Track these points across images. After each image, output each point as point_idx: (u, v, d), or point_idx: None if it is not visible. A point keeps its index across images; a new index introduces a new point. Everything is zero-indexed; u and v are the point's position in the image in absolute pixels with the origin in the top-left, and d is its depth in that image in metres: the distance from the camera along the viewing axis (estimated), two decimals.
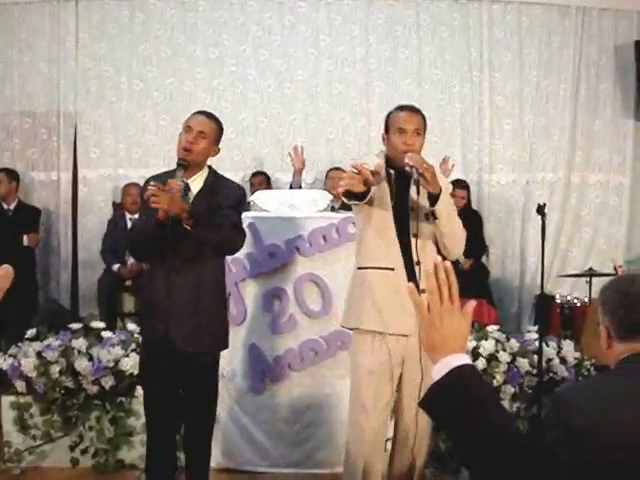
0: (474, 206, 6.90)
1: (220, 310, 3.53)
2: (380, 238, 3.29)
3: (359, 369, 3.33)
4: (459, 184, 6.50)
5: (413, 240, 3.28)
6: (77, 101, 6.99)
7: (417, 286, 3.01)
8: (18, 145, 7.01)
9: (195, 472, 3.59)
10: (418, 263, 3.25)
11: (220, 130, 3.51)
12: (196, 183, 3.46)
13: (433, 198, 3.16)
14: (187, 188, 3.40)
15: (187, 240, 3.26)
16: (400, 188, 3.30)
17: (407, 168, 3.13)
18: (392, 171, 3.33)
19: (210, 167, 3.53)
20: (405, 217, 3.29)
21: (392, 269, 3.26)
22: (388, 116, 3.38)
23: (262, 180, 6.74)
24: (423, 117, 3.37)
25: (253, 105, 7.07)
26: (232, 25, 7.06)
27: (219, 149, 3.53)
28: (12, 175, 6.56)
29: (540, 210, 4.60)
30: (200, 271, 3.38)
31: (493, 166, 7.14)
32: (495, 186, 7.16)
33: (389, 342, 3.28)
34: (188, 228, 3.24)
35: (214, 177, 3.51)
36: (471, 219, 6.58)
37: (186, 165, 3.35)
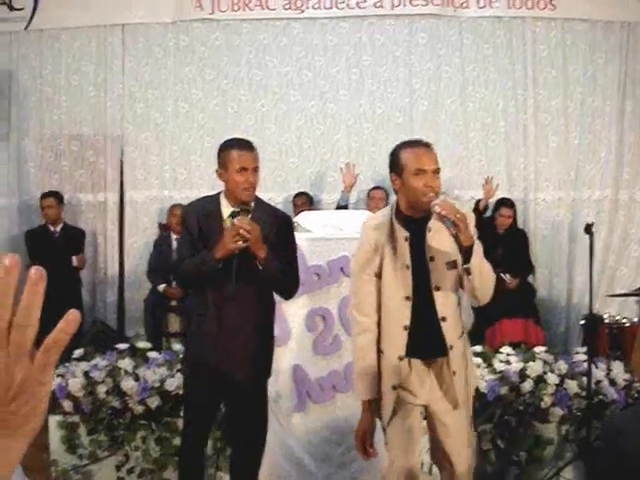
0: (520, 225, 6.83)
1: (269, 341, 3.54)
2: (386, 318, 3.07)
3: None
4: (505, 203, 6.46)
5: (436, 294, 3.01)
6: (123, 124, 7.11)
7: (444, 346, 3.01)
8: (66, 167, 7.15)
9: None
10: (444, 319, 3.01)
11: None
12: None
13: (465, 251, 2.85)
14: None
15: (248, 277, 3.27)
16: (417, 237, 3.01)
17: (436, 217, 2.85)
18: (402, 229, 3.02)
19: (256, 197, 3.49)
20: (424, 268, 3.01)
21: (383, 352, 3.07)
22: (397, 155, 3.05)
23: (305, 201, 6.76)
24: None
25: (296, 126, 7.11)
26: (275, 47, 7.13)
27: None
28: (60, 198, 6.69)
29: (588, 229, 4.54)
30: (255, 306, 3.39)
31: (539, 184, 7.07)
32: (541, 204, 7.08)
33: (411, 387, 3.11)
34: (260, 267, 3.26)
35: (261, 205, 3.47)
36: (517, 238, 6.53)
37: (247, 209, 3.30)
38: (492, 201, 6.52)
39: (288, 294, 3.54)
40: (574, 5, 6.99)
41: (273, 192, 6.96)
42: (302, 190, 6.95)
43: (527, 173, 7.07)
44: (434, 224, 2.95)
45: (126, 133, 7.11)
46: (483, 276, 2.96)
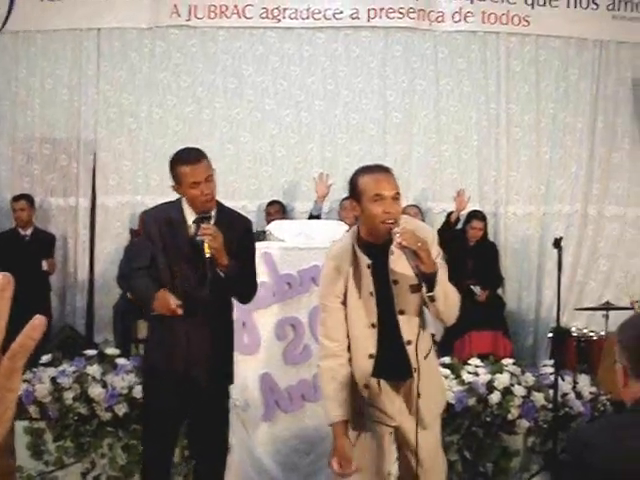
0: (490, 238, 6.88)
1: (230, 346, 3.56)
2: (352, 343, 3.05)
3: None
4: (477, 215, 6.50)
5: (401, 318, 2.98)
6: (97, 128, 7.06)
7: (410, 369, 2.99)
8: (37, 171, 7.08)
9: None
10: (409, 342, 2.99)
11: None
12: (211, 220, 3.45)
13: (428, 279, 2.80)
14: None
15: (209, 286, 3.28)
16: (379, 262, 2.97)
17: (397, 247, 2.79)
18: (364, 256, 2.99)
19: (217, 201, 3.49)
20: (388, 293, 2.97)
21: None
22: (355, 181, 3.00)
23: (278, 209, 6.76)
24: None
25: (271, 135, 7.12)
26: (251, 55, 7.13)
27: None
28: (31, 201, 6.63)
29: (557, 243, 4.60)
30: (217, 312, 3.42)
31: (510, 198, 7.14)
32: (511, 218, 7.15)
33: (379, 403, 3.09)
34: (222, 275, 3.27)
35: (222, 210, 3.47)
36: (487, 251, 6.58)
37: (209, 217, 3.31)
38: (464, 213, 6.56)
39: (247, 298, 3.55)
40: (548, 22, 7.08)
41: (246, 200, 6.97)
42: (275, 198, 6.95)
43: (498, 186, 7.14)
44: (396, 248, 2.88)
45: (99, 138, 7.07)
46: (448, 300, 2.91)
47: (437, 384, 3.26)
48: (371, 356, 3.01)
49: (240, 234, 3.44)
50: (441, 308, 2.90)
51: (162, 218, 3.45)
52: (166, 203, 3.59)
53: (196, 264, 3.27)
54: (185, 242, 3.34)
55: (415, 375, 3.01)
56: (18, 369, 0.75)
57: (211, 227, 3.23)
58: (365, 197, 2.92)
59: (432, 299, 2.83)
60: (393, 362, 3.03)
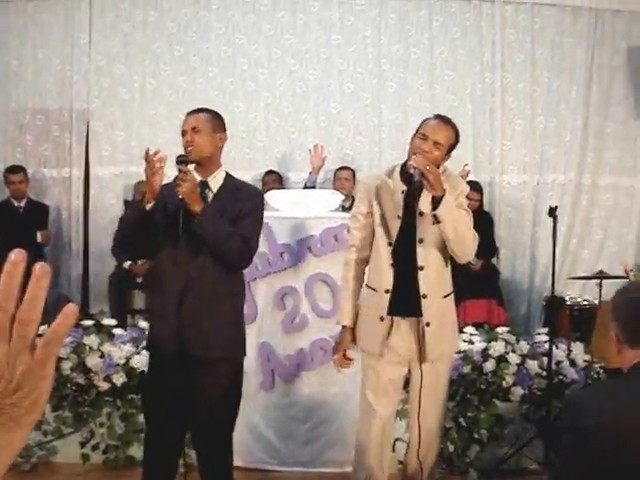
0: (485, 207, 6.89)
1: (236, 316, 3.43)
2: (375, 258, 3.38)
3: (364, 369, 3.46)
4: (472, 186, 6.46)
5: (419, 246, 3.27)
6: (90, 98, 7.01)
7: (417, 292, 3.21)
8: (30, 142, 7.04)
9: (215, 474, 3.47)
10: (422, 268, 3.27)
11: (214, 118, 3.43)
12: (214, 182, 3.41)
13: (436, 201, 3.09)
14: (206, 186, 3.38)
15: (180, 231, 3.24)
16: (413, 194, 3.26)
17: (410, 170, 3.13)
18: (401, 183, 3.31)
19: (227, 172, 3.47)
20: (413, 223, 3.28)
21: (375, 290, 3.37)
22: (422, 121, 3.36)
23: (274, 179, 6.75)
24: (456, 135, 3.30)
25: (265, 104, 7.08)
26: (244, 24, 7.07)
27: (224, 136, 3.46)
28: (25, 173, 6.61)
29: (552, 212, 4.61)
30: (215, 273, 3.30)
31: (504, 167, 7.13)
32: (506, 187, 7.15)
33: (392, 343, 3.35)
34: (195, 223, 3.21)
35: (231, 180, 3.46)
36: (482, 220, 6.57)
37: (185, 160, 3.28)
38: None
39: (231, 263, 3.33)
40: None
41: (241, 170, 6.92)
42: (271, 168, 6.93)
43: (493, 156, 7.13)
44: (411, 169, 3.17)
45: (92, 108, 7.01)
46: (458, 231, 3.14)
47: (450, 325, 3.46)
48: (387, 291, 3.31)
49: (246, 200, 3.38)
50: (449, 234, 3.13)
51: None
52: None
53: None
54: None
55: (424, 301, 3.24)
56: (52, 357, 0.76)
57: (183, 169, 3.21)
58: (416, 133, 3.28)
59: (436, 218, 3.08)
60: (408, 296, 3.28)
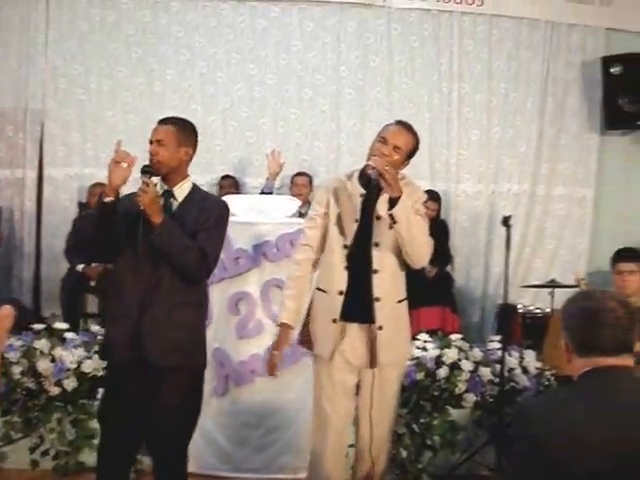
0: (441, 215, 6.94)
1: (197, 325, 3.39)
2: (329, 260, 3.36)
3: (317, 374, 3.42)
4: (430, 196, 6.42)
5: (375, 249, 3.27)
6: (45, 99, 6.90)
7: (370, 295, 3.22)
8: None
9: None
10: (376, 271, 3.27)
11: (182, 131, 3.38)
12: (179, 192, 3.37)
13: (392, 202, 3.11)
14: (170, 195, 3.34)
15: (140, 241, 3.23)
16: (371, 196, 3.28)
17: (368, 170, 3.16)
18: (360, 187, 3.32)
19: (193, 183, 3.44)
20: (370, 226, 3.28)
21: (326, 292, 3.34)
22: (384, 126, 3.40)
23: (231, 184, 6.73)
24: (416, 141, 3.33)
25: (223, 108, 7.06)
26: (204, 27, 7.04)
27: (191, 150, 3.41)
28: None
29: (505, 222, 4.67)
30: (174, 283, 3.26)
31: (460, 176, 7.20)
32: (461, 196, 7.22)
33: (344, 349, 3.32)
34: (154, 234, 3.18)
35: (198, 190, 3.44)
36: (438, 228, 6.64)
37: (150, 172, 3.26)
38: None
39: (189, 275, 3.27)
40: (501, 2, 7.13)
41: (198, 175, 6.87)
42: (228, 173, 6.90)
43: (449, 165, 7.19)
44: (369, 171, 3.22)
45: (47, 108, 6.90)
46: (412, 233, 3.16)
47: (403, 331, 3.44)
48: (340, 293, 3.30)
49: (209, 211, 3.33)
50: (405, 236, 3.15)
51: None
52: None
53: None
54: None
55: (377, 304, 3.25)
56: None
57: (146, 180, 3.17)
58: (376, 137, 3.32)
59: (392, 218, 3.10)
60: (361, 299, 3.27)
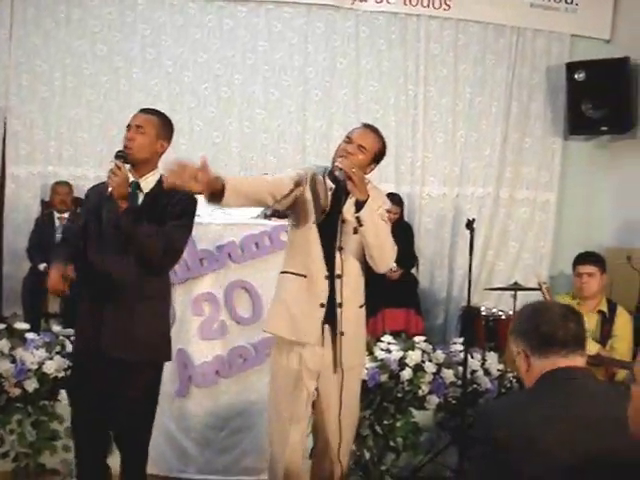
0: (405, 217, 6.98)
1: (159, 320, 3.39)
2: (302, 244, 3.30)
3: (275, 377, 3.39)
4: (392, 199, 6.43)
5: (337, 253, 3.26)
6: (8, 95, 6.80)
7: (334, 299, 3.21)
8: None
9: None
10: (339, 276, 3.26)
11: (163, 125, 3.41)
12: (146, 184, 3.37)
13: (359, 205, 3.12)
14: (137, 187, 3.34)
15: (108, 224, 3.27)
16: (337, 201, 3.27)
17: (336, 172, 3.15)
18: (333, 185, 3.30)
19: (161, 175, 3.39)
20: (334, 230, 3.27)
21: (304, 276, 3.28)
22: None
23: None
24: (382, 144, 3.34)
25: (189, 107, 7.02)
26: (170, 26, 6.99)
27: (166, 144, 3.42)
28: None
29: (469, 225, 4.72)
30: (137, 276, 3.27)
31: (425, 179, 7.25)
32: (426, 198, 7.26)
33: (303, 353, 3.29)
34: (120, 216, 3.20)
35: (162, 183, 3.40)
36: (402, 230, 6.66)
37: (124, 156, 3.27)
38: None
39: (152, 264, 3.27)
40: (468, 6, 7.18)
41: (162, 172, 6.87)
42: None
43: (414, 168, 7.23)
44: (336, 172, 3.21)
45: (10, 105, 6.81)
46: (379, 238, 3.19)
47: (362, 337, 3.45)
48: (326, 277, 3.26)
49: (175, 202, 3.31)
50: (370, 240, 3.16)
51: (100, 191, 3.42)
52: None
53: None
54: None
55: (338, 310, 3.24)
56: None
57: (118, 164, 3.20)
58: (342, 140, 3.33)
59: (359, 221, 3.11)
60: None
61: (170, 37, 6.99)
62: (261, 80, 7.10)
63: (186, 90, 7.01)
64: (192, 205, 3.40)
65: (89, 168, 6.83)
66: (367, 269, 3.35)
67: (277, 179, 3.27)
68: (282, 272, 3.38)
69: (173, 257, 3.36)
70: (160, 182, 3.34)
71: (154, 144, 3.37)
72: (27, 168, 6.87)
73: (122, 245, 3.23)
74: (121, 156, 3.27)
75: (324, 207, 3.28)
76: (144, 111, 3.44)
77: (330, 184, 3.30)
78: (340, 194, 3.25)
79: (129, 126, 3.37)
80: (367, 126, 3.38)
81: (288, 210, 3.36)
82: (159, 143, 3.39)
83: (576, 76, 7.05)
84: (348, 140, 3.29)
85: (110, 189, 3.19)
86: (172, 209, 3.30)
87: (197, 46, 7.03)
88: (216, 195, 2.98)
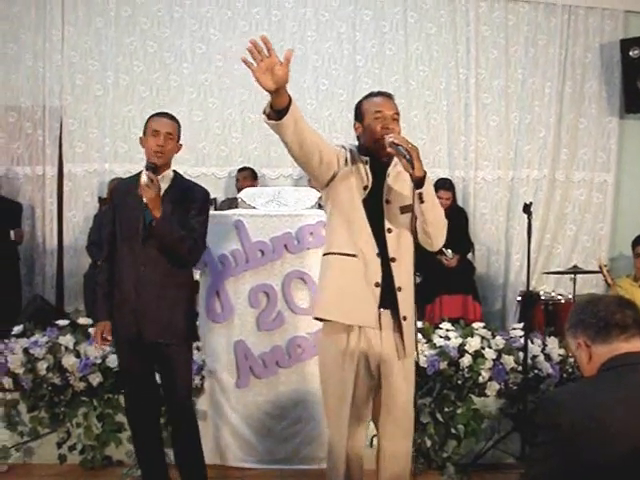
0: (460, 203, 6.93)
1: (185, 303, 3.60)
2: (346, 223, 3.08)
3: (324, 363, 3.19)
4: (445, 184, 6.39)
5: (388, 235, 3.08)
6: (62, 95, 6.95)
7: (393, 283, 3.06)
8: (2, 139, 6.97)
9: (189, 468, 3.67)
10: (394, 260, 3.07)
11: (179, 126, 3.65)
12: (163, 182, 3.53)
13: (418, 181, 2.93)
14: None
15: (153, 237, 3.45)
16: (377, 178, 3.10)
17: (390, 149, 2.91)
18: (367, 158, 3.12)
19: (175, 170, 3.66)
20: (379, 211, 3.09)
21: (354, 255, 3.06)
22: (360, 104, 3.20)
23: (247, 176, 6.73)
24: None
25: (240, 100, 7.06)
26: (219, 20, 7.05)
27: (181, 145, 3.67)
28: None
29: (526, 209, 4.64)
30: (166, 266, 3.50)
31: (479, 163, 7.17)
32: (480, 183, 7.19)
33: (357, 337, 3.09)
34: (154, 227, 3.41)
35: (180, 179, 3.66)
36: (457, 216, 6.61)
37: (155, 168, 3.46)
38: (433, 178, 6.57)
39: (183, 261, 3.56)
40: None
41: (216, 167, 6.96)
42: (246, 165, 6.90)
43: (467, 152, 7.17)
44: (393, 170, 3.10)
45: (65, 105, 6.95)
46: (436, 213, 3.05)
47: (415, 322, 3.22)
48: (378, 255, 3.06)
49: (193, 199, 3.58)
50: (429, 216, 3.01)
51: (124, 187, 3.66)
52: (132, 175, 3.75)
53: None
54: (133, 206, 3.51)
55: (399, 294, 3.08)
56: None
57: (148, 175, 3.35)
58: (367, 116, 3.11)
59: (420, 197, 2.95)
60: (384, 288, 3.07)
61: (219, 31, 7.05)
62: (311, 70, 7.10)
63: (237, 83, 7.04)
64: (207, 199, 3.69)
65: (143, 164, 6.89)
66: (415, 250, 3.15)
67: (328, 144, 3.08)
68: (326, 254, 3.15)
69: (199, 253, 3.64)
70: (174, 178, 3.61)
71: (177, 147, 3.63)
72: (83, 166, 7.00)
73: (152, 245, 3.46)
74: (151, 167, 3.44)
75: (365, 184, 3.10)
76: (167, 116, 3.62)
77: (363, 158, 3.12)
78: (379, 170, 3.10)
79: (157, 132, 3.52)
80: (382, 93, 3.18)
81: (325, 187, 3.15)
82: (179, 145, 3.64)
83: (631, 53, 6.91)
84: (380, 114, 3.08)
85: (145, 200, 3.35)
86: (190, 205, 3.56)
87: (246, 38, 7.00)
88: (277, 110, 2.81)
